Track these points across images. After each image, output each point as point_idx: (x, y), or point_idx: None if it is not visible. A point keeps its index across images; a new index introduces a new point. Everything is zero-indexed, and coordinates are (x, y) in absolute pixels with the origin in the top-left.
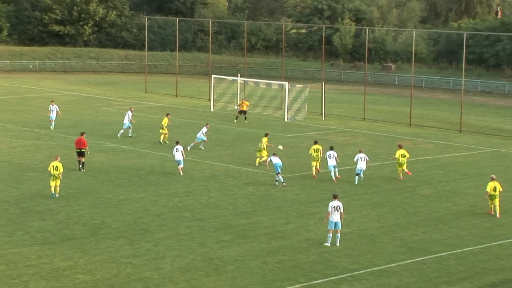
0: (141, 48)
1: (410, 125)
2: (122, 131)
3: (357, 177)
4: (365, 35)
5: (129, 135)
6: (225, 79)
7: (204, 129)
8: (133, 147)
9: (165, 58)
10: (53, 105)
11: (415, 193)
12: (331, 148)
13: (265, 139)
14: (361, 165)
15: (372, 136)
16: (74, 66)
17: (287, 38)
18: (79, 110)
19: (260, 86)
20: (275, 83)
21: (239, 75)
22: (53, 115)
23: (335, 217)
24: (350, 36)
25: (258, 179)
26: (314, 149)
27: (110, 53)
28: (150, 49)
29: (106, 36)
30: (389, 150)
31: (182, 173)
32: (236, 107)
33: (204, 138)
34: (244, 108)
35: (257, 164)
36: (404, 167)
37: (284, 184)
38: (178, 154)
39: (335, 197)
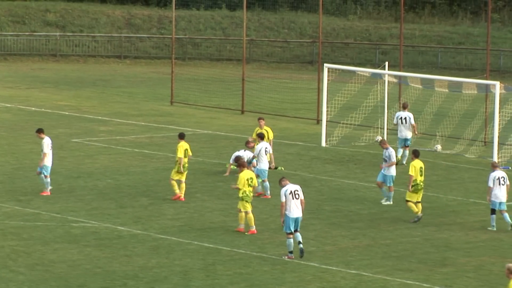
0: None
1: None
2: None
3: (493, 217)
4: None
5: None
6: (354, 72)
7: None
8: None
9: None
10: None
11: None
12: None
13: None
14: (500, 194)
15: None
16: (9, 41)
17: None
18: (17, 144)
19: (436, 90)
20: (470, 83)
21: (386, 64)
22: None
23: None
24: None
25: None
26: None
27: (93, 13)
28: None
29: None
30: None
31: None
32: (378, 139)
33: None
34: None
35: None
36: None
37: None
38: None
39: None
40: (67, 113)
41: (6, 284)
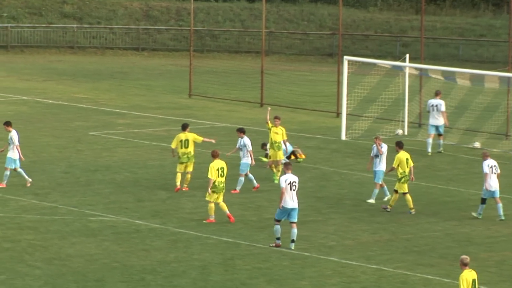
0: None
1: None
2: None
3: (481, 206)
4: None
5: None
6: (374, 65)
7: None
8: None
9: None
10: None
11: None
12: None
13: None
14: (493, 183)
15: None
16: (26, 33)
17: None
18: (34, 137)
19: (459, 83)
20: (492, 75)
21: (407, 56)
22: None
23: None
24: None
25: None
26: None
27: (110, 4)
28: None
29: None
30: None
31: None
32: (399, 132)
33: None
34: None
35: None
36: None
37: None
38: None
39: None
40: (84, 105)
41: (22, 279)
